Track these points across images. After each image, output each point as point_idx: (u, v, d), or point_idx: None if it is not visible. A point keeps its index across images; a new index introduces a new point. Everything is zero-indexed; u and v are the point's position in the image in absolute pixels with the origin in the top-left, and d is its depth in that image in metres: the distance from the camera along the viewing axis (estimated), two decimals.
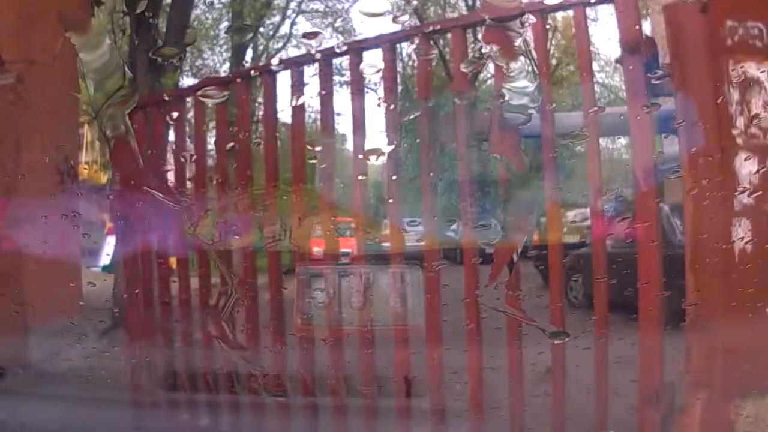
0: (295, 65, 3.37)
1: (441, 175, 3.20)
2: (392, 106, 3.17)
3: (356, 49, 3.28)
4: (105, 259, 4.37)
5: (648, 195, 2.76)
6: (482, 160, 3.12)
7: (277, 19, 5.98)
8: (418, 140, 3.20)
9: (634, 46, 2.78)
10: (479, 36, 3.08)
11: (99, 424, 2.98)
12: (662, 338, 2.74)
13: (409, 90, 4.27)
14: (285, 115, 3.60)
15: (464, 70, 3.05)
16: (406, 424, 3.14)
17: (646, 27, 2.90)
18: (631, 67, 2.79)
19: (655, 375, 2.73)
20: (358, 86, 3.23)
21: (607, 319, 2.81)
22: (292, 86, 3.38)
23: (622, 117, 2.84)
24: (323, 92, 3.30)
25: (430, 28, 3.24)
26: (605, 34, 2.95)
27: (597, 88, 3.16)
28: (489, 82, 4.35)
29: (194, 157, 3.57)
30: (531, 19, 2.81)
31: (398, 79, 3.47)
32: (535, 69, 2.90)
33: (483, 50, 3.05)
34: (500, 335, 2.94)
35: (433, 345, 3.05)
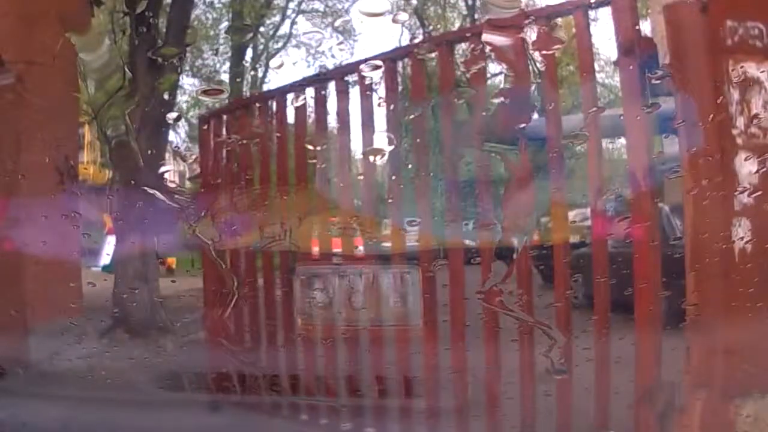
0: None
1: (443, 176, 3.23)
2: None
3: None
4: (105, 258, 4.37)
5: (646, 196, 2.77)
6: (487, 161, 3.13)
7: (277, 19, 5.97)
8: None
9: (630, 47, 2.79)
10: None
11: (99, 424, 2.98)
12: (660, 338, 2.74)
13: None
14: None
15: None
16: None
17: (647, 27, 2.90)
18: (628, 68, 2.79)
19: (652, 375, 2.73)
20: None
21: (608, 319, 2.81)
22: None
23: (621, 117, 2.85)
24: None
25: None
26: (606, 35, 2.95)
27: (598, 88, 3.16)
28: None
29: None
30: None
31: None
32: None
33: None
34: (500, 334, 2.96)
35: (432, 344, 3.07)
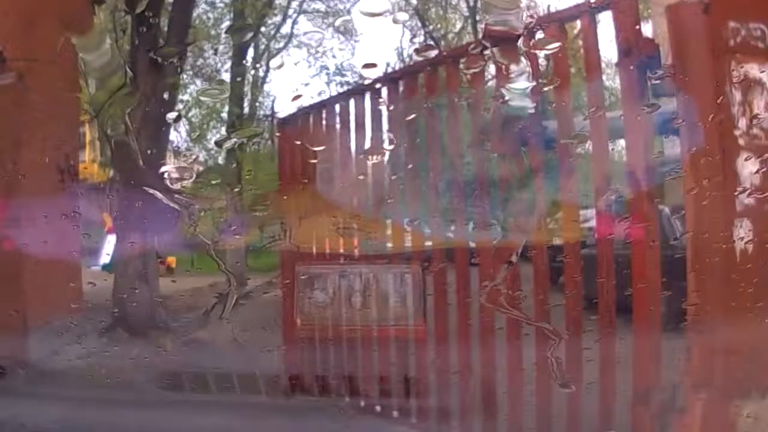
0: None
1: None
2: None
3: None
4: (105, 258, 4.37)
5: (645, 196, 2.77)
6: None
7: (278, 18, 5.98)
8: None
9: (628, 49, 2.79)
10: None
11: (99, 424, 2.98)
12: (658, 338, 2.74)
13: None
14: None
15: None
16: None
17: (648, 28, 2.90)
18: (627, 70, 2.80)
19: (651, 375, 2.73)
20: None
21: (611, 319, 2.81)
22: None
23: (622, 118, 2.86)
24: None
25: None
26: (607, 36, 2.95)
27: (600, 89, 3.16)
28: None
29: None
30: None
31: None
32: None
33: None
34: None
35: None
